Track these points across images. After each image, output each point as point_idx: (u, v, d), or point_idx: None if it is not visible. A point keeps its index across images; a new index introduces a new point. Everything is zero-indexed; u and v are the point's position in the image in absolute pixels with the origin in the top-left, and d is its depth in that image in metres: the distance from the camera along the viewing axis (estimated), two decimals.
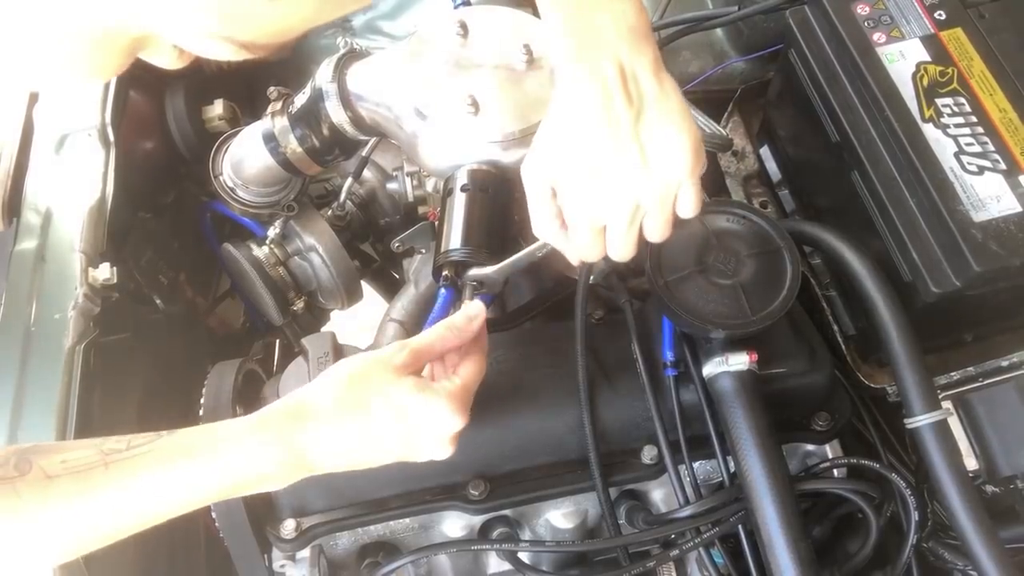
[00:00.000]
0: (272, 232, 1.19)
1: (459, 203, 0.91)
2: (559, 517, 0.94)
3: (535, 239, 1.07)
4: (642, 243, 0.72)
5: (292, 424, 0.68)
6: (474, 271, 0.87)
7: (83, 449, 0.63)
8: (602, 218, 0.69)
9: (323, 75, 1.01)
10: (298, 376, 0.92)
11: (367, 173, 1.27)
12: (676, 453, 0.87)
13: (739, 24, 1.28)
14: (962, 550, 0.82)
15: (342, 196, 1.23)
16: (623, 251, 0.71)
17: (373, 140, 1.18)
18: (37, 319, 0.97)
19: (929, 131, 0.88)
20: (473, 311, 0.78)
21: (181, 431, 0.67)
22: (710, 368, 0.83)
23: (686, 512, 0.85)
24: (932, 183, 0.85)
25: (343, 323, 1.49)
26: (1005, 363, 0.99)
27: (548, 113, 0.69)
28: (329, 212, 1.23)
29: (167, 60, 0.50)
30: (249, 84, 1.44)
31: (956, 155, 0.87)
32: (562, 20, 0.65)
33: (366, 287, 1.39)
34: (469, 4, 1.08)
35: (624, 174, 0.66)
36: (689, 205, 0.69)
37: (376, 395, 0.70)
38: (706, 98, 1.28)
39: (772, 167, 1.25)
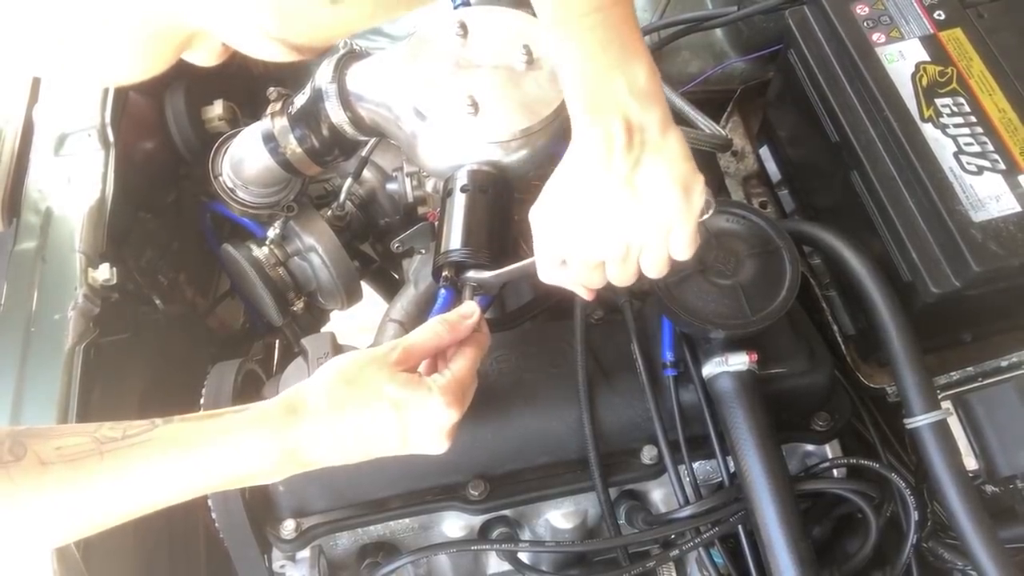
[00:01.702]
0: (272, 232, 1.19)
1: (459, 204, 0.91)
2: (559, 517, 0.94)
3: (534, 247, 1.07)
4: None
5: (287, 419, 0.69)
6: (472, 274, 0.87)
7: (78, 436, 0.63)
8: (598, 256, 0.72)
9: (323, 75, 1.01)
10: (298, 376, 0.91)
11: (367, 173, 1.26)
12: (676, 453, 0.87)
13: (739, 24, 1.28)
14: (962, 550, 0.82)
15: (342, 196, 1.23)
16: (622, 282, 0.74)
17: (373, 140, 1.18)
18: (37, 319, 0.97)
19: (928, 131, 0.88)
20: (467, 310, 0.79)
21: (177, 420, 0.67)
22: (710, 368, 0.84)
23: (686, 512, 0.85)
24: (931, 183, 0.85)
25: (343, 324, 1.49)
26: (1004, 363, 0.99)
27: (559, 164, 0.72)
28: (329, 212, 1.23)
29: (208, 58, 0.50)
30: (249, 84, 1.44)
31: (955, 155, 0.87)
32: (579, 79, 0.68)
33: (366, 287, 1.39)
34: (469, 4, 1.08)
35: (617, 214, 0.69)
36: (681, 247, 0.70)
37: (370, 392, 0.71)
38: (706, 98, 1.28)
39: (772, 167, 1.25)
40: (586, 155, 0.69)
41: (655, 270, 0.72)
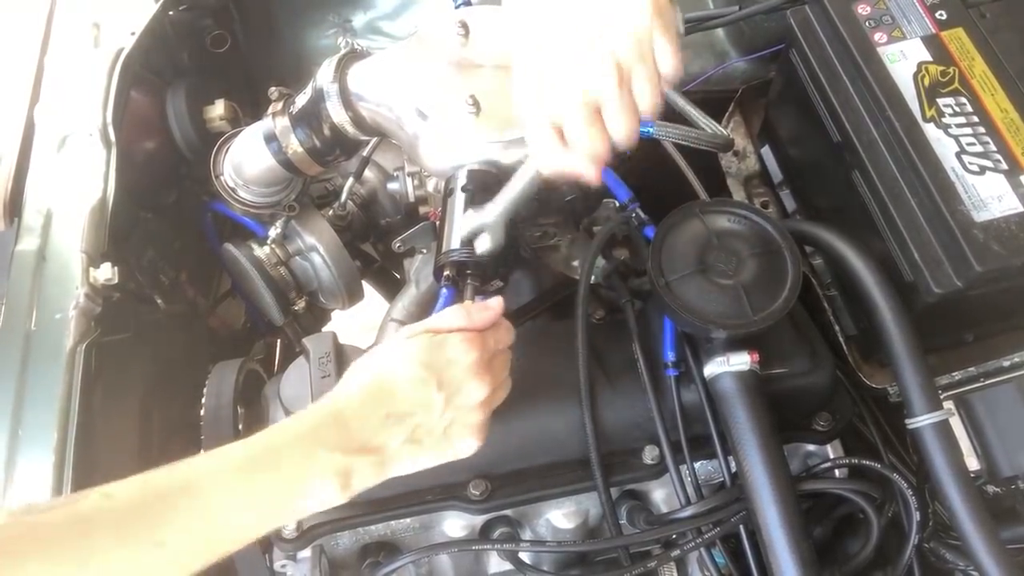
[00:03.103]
0: (273, 232, 1.19)
1: (460, 203, 0.91)
2: (560, 517, 0.94)
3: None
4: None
5: (374, 405, 0.70)
6: (473, 215, 0.83)
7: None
8: (587, 83, 0.69)
9: (324, 75, 1.01)
10: (299, 376, 0.92)
11: (368, 173, 1.27)
12: (677, 453, 0.87)
13: (740, 24, 1.28)
14: (963, 550, 0.82)
15: (343, 196, 1.23)
16: (621, 121, 0.69)
17: (374, 140, 1.18)
18: (38, 319, 0.97)
19: (930, 131, 0.88)
20: (492, 303, 0.79)
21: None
22: (711, 368, 0.83)
23: (687, 512, 0.85)
24: (933, 183, 0.85)
25: (344, 323, 1.50)
26: (1006, 363, 0.99)
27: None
28: (330, 212, 1.23)
29: None
30: (250, 84, 1.44)
31: (957, 155, 0.87)
32: None
33: (367, 287, 1.39)
34: (470, 4, 1.08)
35: (592, 32, 0.68)
36: (666, 57, 0.68)
37: (408, 367, 0.72)
38: (707, 98, 1.28)
39: (773, 167, 1.24)
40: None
41: (648, 93, 0.69)
